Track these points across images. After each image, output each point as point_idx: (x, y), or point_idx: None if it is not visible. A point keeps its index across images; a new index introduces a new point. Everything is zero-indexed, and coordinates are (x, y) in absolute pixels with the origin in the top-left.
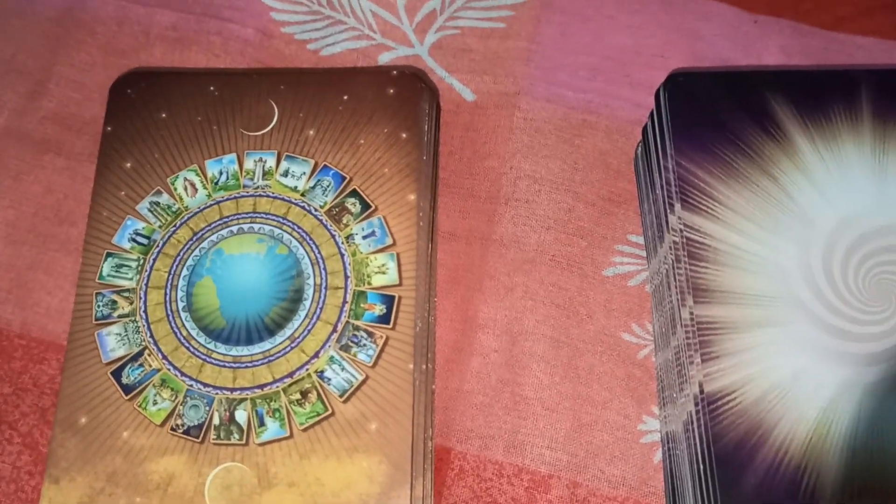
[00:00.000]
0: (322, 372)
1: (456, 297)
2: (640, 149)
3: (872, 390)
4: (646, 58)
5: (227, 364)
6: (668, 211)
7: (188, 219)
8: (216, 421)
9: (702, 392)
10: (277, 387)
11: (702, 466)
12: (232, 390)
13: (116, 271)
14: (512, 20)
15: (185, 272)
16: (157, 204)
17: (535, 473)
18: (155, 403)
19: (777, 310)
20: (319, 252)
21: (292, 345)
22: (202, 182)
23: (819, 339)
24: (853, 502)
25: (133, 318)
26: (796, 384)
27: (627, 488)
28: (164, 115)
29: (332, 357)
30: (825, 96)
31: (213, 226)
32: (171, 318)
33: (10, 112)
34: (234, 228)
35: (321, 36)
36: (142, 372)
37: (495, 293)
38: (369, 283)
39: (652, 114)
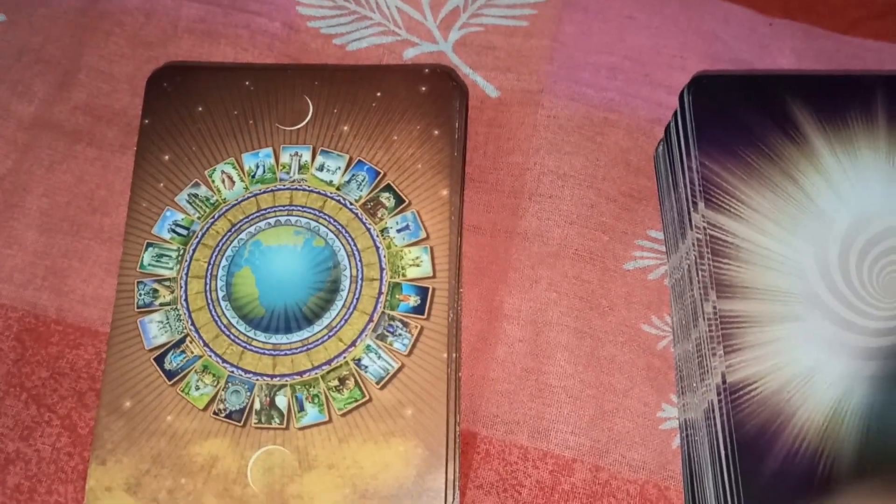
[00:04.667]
0: (359, 360)
1: (481, 288)
2: (661, 147)
3: (885, 381)
4: (665, 58)
5: (266, 351)
6: (692, 209)
7: (226, 211)
8: (257, 406)
9: (724, 382)
10: (316, 374)
11: (723, 452)
12: (272, 376)
13: (157, 261)
14: (534, 19)
15: (224, 262)
16: (196, 196)
17: (559, 458)
18: (197, 389)
19: (796, 305)
20: (355, 245)
21: (330, 334)
22: (239, 175)
23: (836, 333)
24: (866, 486)
25: (174, 307)
26: (814, 375)
27: (647, 472)
28: (200, 109)
29: (368, 346)
30: (843, 101)
31: (250, 218)
32: (211, 306)
33: (40, 102)
34: (272, 221)
35: (347, 31)
36: (184, 358)
37: (520, 285)
38: (404, 275)
39: (675, 114)
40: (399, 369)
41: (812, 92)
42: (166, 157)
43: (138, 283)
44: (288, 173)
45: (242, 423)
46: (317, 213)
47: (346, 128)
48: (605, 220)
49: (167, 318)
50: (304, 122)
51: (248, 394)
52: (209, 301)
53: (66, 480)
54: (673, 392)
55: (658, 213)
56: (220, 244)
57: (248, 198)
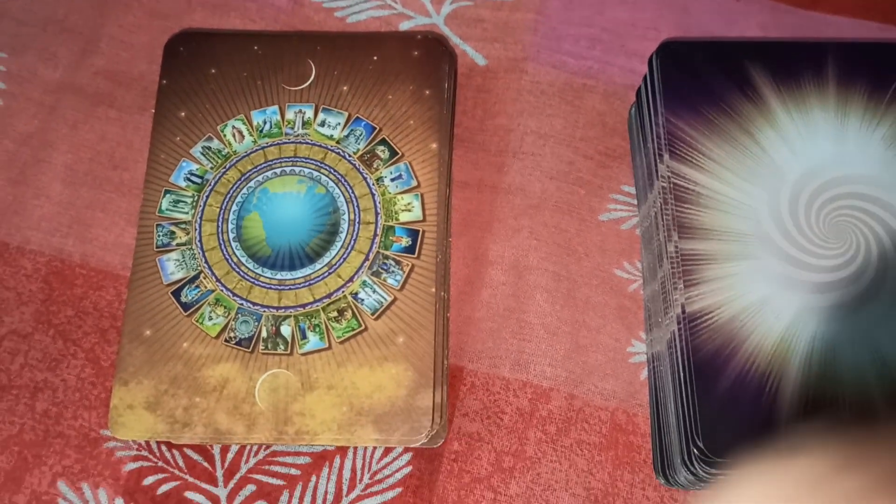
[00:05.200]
0: (356, 294)
1: (468, 237)
2: (633, 109)
3: (827, 313)
4: (640, 30)
5: (272, 286)
6: (658, 161)
7: (236, 162)
8: (264, 334)
9: (684, 312)
10: (317, 306)
11: (683, 375)
12: (277, 308)
13: (174, 206)
14: None
15: (234, 208)
16: (209, 148)
17: (537, 387)
18: (210, 319)
19: (749, 245)
20: (353, 192)
21: (330, 271)
22: (248, 130)
23: (784, 270)
24: (808, 402)
25: (190, 247)
26: (764, 306)
27: (617, 400)
28: (213, 71)
29: (364, 281)
30: (797, 65)
31: (258, 168)
32: (223, 246)
33: (64, 68)
34: (278, 170)
35: (347, 5)
36: (198, 292)
37: (503, 234)
38: (397, 219)
39: (645, 77)
40: (392, 302)
41: (769, 57)
42: (182, 114)
43: (157, 225)
44: (292, 128)
45: (251, 349)
46: (318, 163)
47: (345, 88)
48: (582, 176)
49: (183, 257)
50: (307, 83)
51: (256, 323)
52: (221, 242)
53: (89, 407)
54: (641, 330)
55: (630, 170)
56: (231, 191)
57: (257, 150)
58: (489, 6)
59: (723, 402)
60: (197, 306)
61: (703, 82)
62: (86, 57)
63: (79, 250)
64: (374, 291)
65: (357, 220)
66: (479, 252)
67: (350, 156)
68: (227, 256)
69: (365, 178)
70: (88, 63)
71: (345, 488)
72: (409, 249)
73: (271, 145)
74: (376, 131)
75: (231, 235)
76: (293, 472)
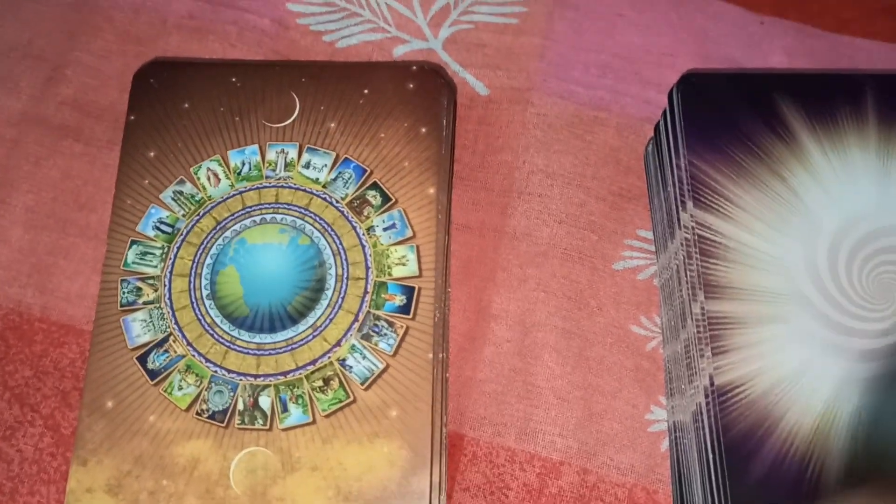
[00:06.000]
0: (344, 360)
1: (469, 287)
2: (650, 146)
3: (874, 385)
4: (655, 56)
5: (250, 351)
6: (680, 208)
7: (211, 208)
8: (240, 406)
9: (712, 384)
10: (300, 374)
11: (711, 456)
12: (256, 376)
13: (141, 258)
14: (525, 16)
15: (208, 261)
16: (181, 193)
17: (546, 460)
18: (180, 388)
19: (784, 306)
20: (341, 243)
21: (314, 333)
22: (225, 172)
23: (824, 335)
24: (855, 492)
25: (158, 305)
26: (802, 378)
27: (635, 475)
28: (186, 105)
29: (353, 346)
30: (833, 99)
31: (236, 215)
32: (195, 305)
33: (27, 97)
34: (257, 218)
35: (336, 28)
36: (167, 358)
37: (508, 284)
38: (390, 274)
39: (665, 113)
40: (384, 370)
41: (801, 90)
42: (152, 154)
43: (122, 280)
44: (274, 171)
45: (225, 423)
46: (302, 210)
47: (332, 125)
48: (594, 220)
49: (150, 317)
50: (290, 119)
51: (232, 394)
52: (193, 300)
53: (48, 481)
54: (661, 394)
55: (648, 213)
56: (205, 242)
57: (234, 195)
58: (491, 29)
59: (758, 491)
60: (165, 374)
61: (729, 119)
62: (51, 85)
63: (39, 302)
64: (364, 357)
65: (345, 275)
66: (481, 304)
67: (338, 202)
68: (200, 317)
69: (354, 228)
70: (54, 92)
71: None
72: (404, 309)
73: (250, 189)
74: (367, 174)
75: (204, 292)
76: None
